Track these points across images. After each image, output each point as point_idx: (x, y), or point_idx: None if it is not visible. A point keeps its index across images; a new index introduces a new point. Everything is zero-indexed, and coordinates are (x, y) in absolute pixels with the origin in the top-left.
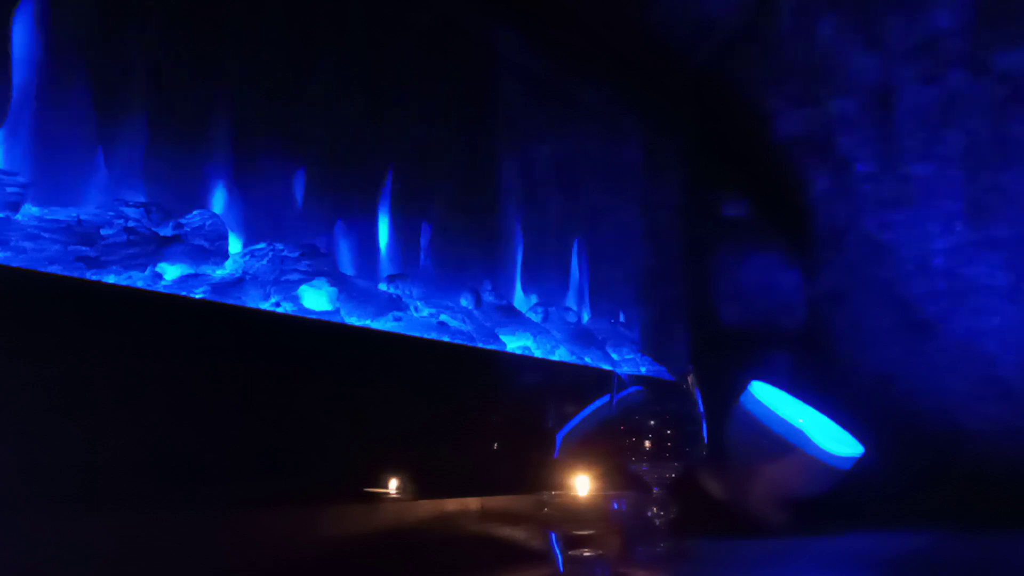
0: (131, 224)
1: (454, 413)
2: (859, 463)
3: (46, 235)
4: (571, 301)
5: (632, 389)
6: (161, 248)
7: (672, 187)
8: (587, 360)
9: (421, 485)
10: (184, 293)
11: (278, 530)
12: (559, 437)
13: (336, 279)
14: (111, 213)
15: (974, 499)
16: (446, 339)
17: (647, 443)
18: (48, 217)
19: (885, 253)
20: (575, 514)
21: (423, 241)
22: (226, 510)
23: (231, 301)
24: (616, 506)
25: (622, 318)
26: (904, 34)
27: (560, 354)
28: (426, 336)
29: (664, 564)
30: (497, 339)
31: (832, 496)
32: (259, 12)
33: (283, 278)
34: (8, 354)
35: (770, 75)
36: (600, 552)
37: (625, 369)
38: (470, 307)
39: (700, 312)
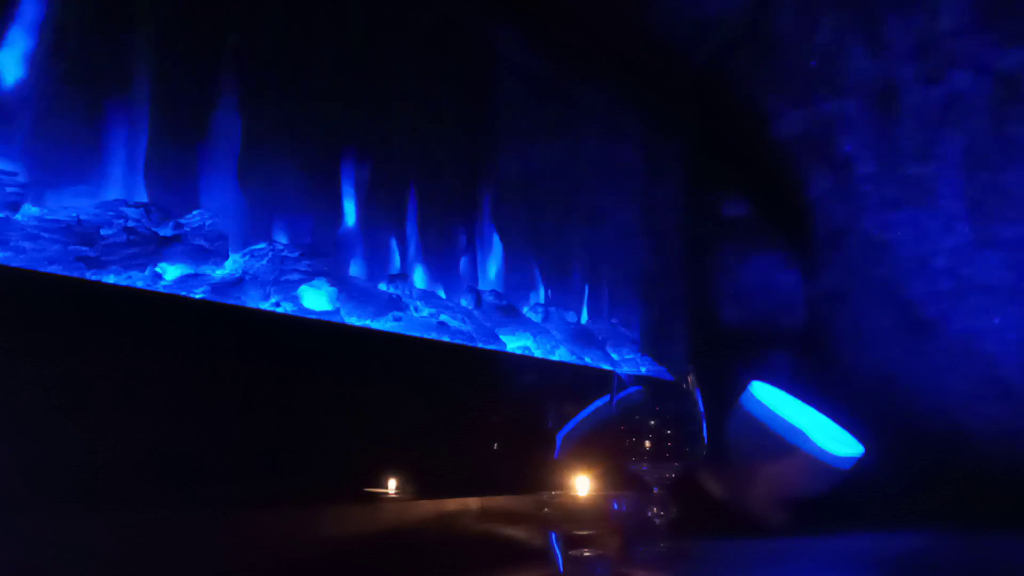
0: (131, 224)
1: (454, 413)
2: (859, 463)
3: (46, 235)
4: (571, 301)
5: (632, 389)
6: (161, 248)
7: (672, 187)
8: (587, 360)
9: (421, 485)
10: (184, 293)
11: (278, 530)
12: (559, 437)
13: (336, 279)
14: (111, 213)
15: (974, 499)
16: (446, 339)
17: (647, 443)
18: (48, 217)
19: (885, 253)
20: (575, 514)
21: (423, 240)
22: (226, 510)
23: (231, 301)
24: (616, 506)
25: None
26: (904, 34)
27: (560, 354)
28: (426, 336)
29: (664, 564)
30: (497, 339)
31: (832, 496)
32: (259, 12)
33: (283, 278)
34: (8, 354)
35: (770, 75)
36: (600, 552)
37: (625, 369)
38: (470, 307)
39: (700, 312)
